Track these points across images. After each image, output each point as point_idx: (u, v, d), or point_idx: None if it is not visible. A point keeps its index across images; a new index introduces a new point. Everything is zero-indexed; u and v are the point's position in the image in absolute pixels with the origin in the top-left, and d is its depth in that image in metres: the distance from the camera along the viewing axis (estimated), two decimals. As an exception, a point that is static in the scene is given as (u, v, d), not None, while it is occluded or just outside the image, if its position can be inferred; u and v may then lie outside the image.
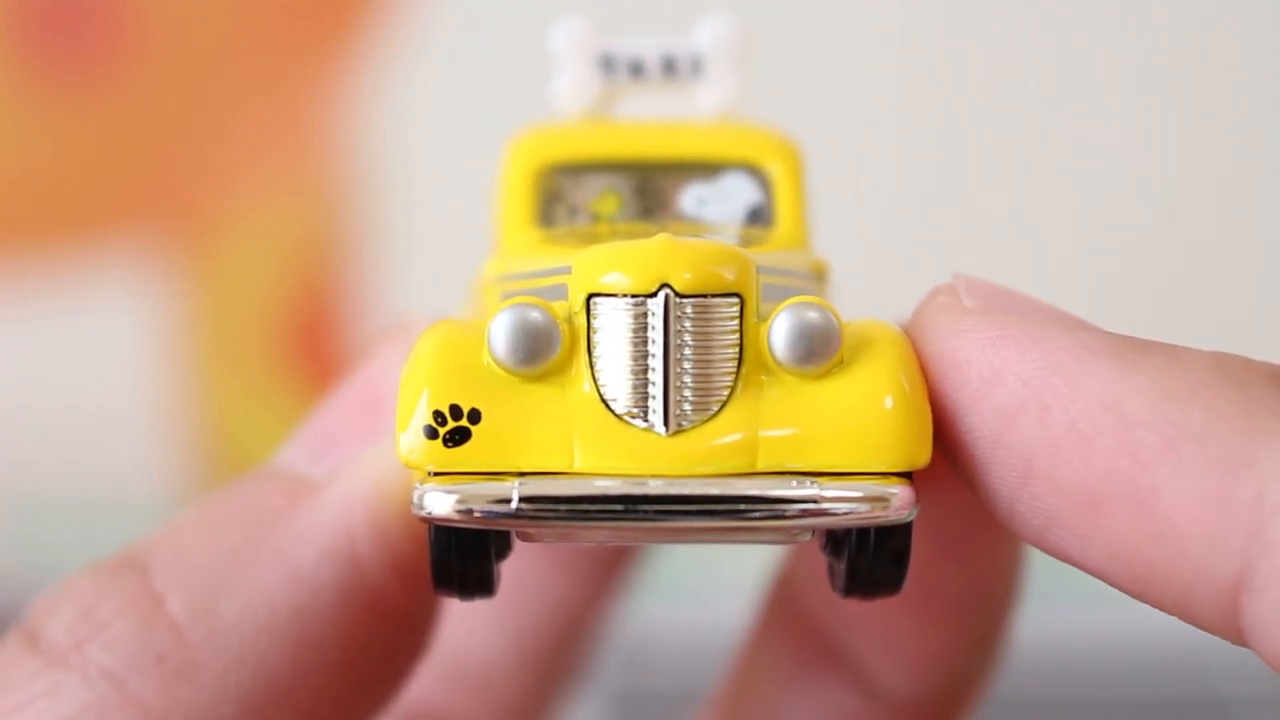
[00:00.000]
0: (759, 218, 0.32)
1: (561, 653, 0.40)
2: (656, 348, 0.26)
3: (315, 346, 0.77)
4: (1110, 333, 0.26)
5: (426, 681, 0.32)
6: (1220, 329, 0.73)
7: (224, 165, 0.75)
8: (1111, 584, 0.25)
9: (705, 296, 0.26)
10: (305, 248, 0.76)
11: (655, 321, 0.26)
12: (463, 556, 0.27)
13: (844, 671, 0.34)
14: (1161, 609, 0.24)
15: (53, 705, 0.27)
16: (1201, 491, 0.23)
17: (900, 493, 0.26)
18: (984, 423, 0.25)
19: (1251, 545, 0.23)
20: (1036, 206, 0.73)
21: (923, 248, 0.73)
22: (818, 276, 0.30)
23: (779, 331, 0.26)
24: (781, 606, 0.35)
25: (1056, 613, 0.66)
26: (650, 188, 0.32)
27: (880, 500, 0.26)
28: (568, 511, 0.26)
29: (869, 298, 0.32)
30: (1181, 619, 0.24)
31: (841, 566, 0.27)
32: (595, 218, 0.32)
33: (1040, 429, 0.25)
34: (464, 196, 0.38)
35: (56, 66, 0.74)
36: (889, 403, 0.26)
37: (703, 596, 0.64)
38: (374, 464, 0.29)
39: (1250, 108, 0.73)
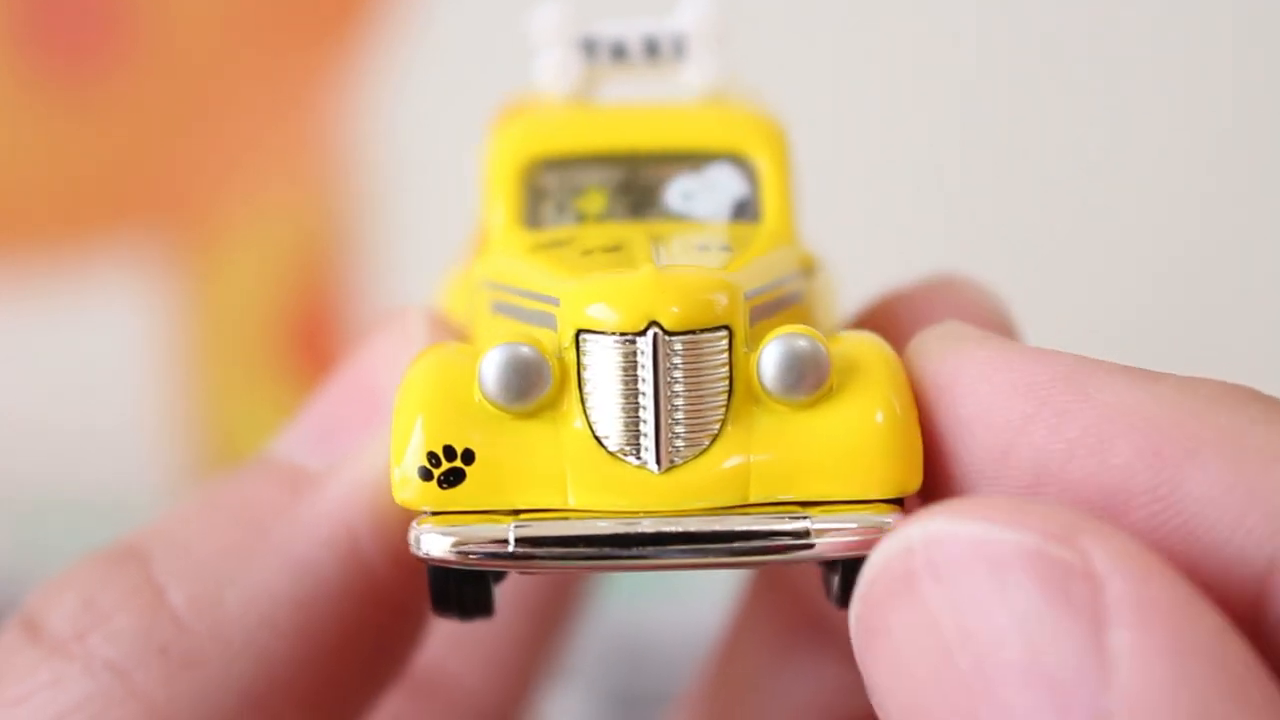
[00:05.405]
0: (745, 211, 0.31)
1: (562, 607, 0.41)
2: (647, 386, 0.26)
3: (315, 345, 0.77)
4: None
5: (431, 643, 0.32)
6: (1220, 329, 0.73)
7: (223, 165, 0.75)
8: None
9: (694, 332, 0.26)
10: (304, 247, 0.76)
11: (645, 360, 0.26)
12: (460, 585, 0.27)
13: (832, 643, 0.34)
14: None
15: (56, 696, 0.27)
16: (1228, 483, 0.23)
17: (892, 521, 0.26)
18: (993, 434, 0.25)
19: None
20: (1038, 187, 0.73)
21: (921, 229, 0.72)
22: (806, 273, 0.30)
23: (768, 361, 0.26)
24: (769, 580, 0.35)
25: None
26: (636, 183, 0.32)
27: (872, 530, 0.26)
28: (563, 553, 0.26)
29: (867, 282, 0.32)
30: None
31: (836, 579, 0.27)
32: (582, 216, 0.31)
33: (1054, 435, 0.25)
34: (463, 196, 0.38)
35: (56, 66, 0.74)
36: (879, 431, 0.26)
37: (694, 595, 0.64)
38: (373, 456, 0.29)
39: (1255, 107, 0.73)
